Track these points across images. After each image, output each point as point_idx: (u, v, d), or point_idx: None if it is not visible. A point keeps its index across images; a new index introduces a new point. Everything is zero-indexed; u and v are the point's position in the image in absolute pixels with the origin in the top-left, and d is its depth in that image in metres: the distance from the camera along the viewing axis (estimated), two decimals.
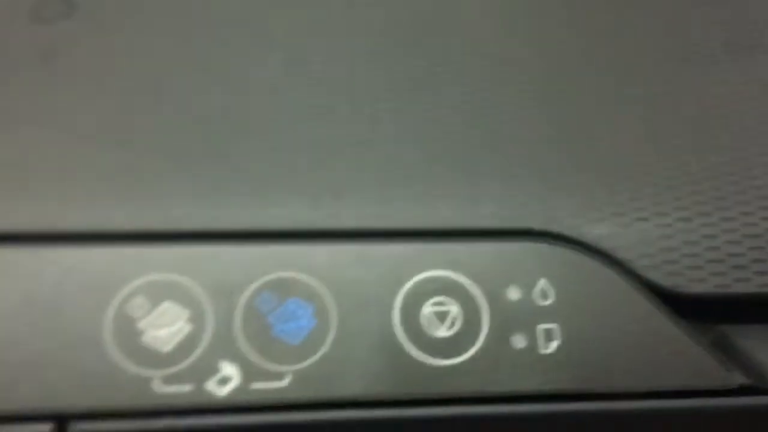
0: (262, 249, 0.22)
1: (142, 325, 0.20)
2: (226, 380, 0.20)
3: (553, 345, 0.22)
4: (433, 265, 0.22)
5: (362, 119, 0.25)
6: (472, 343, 0.21)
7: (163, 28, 0.26)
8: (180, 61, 0.25)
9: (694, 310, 0.22)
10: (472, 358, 0.21)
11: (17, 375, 0.20)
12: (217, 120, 0.24)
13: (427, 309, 0.22)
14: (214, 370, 0.20)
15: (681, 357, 0.22)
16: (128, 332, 0.20)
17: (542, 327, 0.22)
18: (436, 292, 0.22)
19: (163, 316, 0.21)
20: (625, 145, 0.25)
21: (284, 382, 0.20)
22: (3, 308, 0.20)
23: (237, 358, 0.20)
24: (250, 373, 0.20)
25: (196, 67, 0.25)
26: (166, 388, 0.20)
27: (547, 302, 0.22)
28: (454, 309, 0.22)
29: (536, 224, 0.23)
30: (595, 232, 0.23)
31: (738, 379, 0.22)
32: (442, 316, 0.22)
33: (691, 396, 0.22)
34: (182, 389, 0.20)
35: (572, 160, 0.24)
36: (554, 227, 0.23)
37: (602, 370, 0.21)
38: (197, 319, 0.21)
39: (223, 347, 0.20)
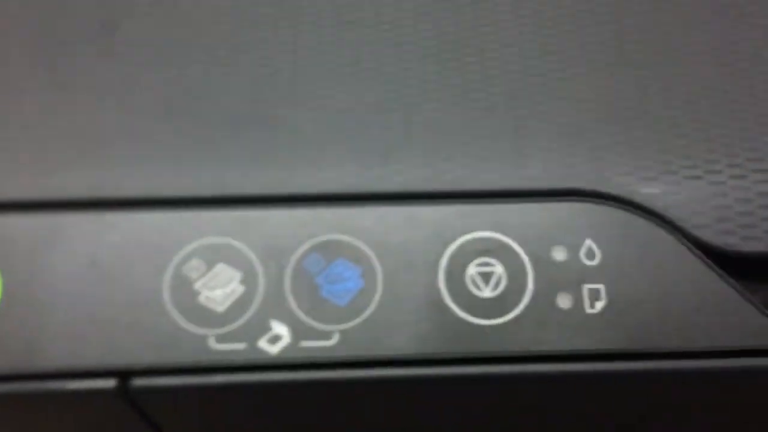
0: (309, 212, 0.22)
1: (197, 286, 0.21)
2: (277, 338, 0.21)
3: (600, 305, 0.22)
4: (478, 226, 0.22)
5: (407, 81, 0.25)
6: (517, 303, 0.22)
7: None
8: (230, 26, 0.26)
9: (747, 270, 0.22)
10: (517, 318, 0.21)
11: (82, 333, 0.21)
12: (266, 85, 0.24)
13: (472, 270, 0.22)
14: (265, 329, 0.21)
15: (732, 317, 0.22)
16: (185, 293, 0.21)
17: (588, 287, 0.22)
18: (481, 253, 0.22)
19: (217, 278, 0.22)
20: (676, 100, 0.24)
21: (332, 341, 0.21)
22: (69, 269, 0.21)
23: (287, 317, 0.21)
24: (299, 331, 0.21)
25: (246, 32, 0.26)
26: (221, 346, 0.21)
27: (594, 262, 0.22)
28: (498, 269, 0.22)
29: (583, 184, 0.23)
30: (645, 191, 0.23)
31: None
32: (486, 277, 0.22)
33: (741, 356, 0.21)
34: (236, 347, 0.21)
35: (621, 116, 0.24)
36: (602, 187, 0.23)
37: (650, 330, 0.21)
38: (249, 280, 0.22)
39: (274, 307, 0.21)
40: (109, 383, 0.21)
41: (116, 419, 0.23)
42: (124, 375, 0.21)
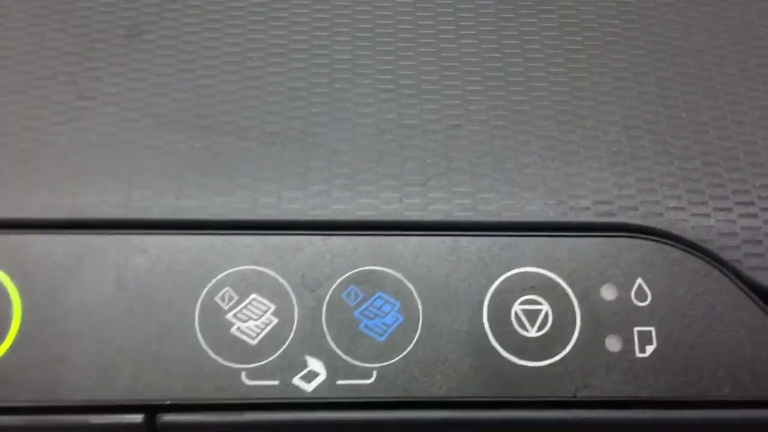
0: (347, 241, 0.21)
1: (230, 316, 0.20)
2: (313, 376, 0.20)
3: (650, 349, 0.21)
4: (524, 261, 0.21)
5: (450, 104, 0.24)
6: (564, 345, 0.21)
7: (247, 7, 0.25)
8: (263, 41, 0.25)
9: None
10: (564, 360, 0.20)
11: (107, 363, 0.20)
12: (301, 103, 0.23)
13: (517, 308, 0.21)
14: (301, 365, 0.20)
15: None
16: (217, 324, 0.20)
17: (639, 330, 0.21)
18: (527, 290, 0.21)
19: (250, 309, 0.20)
20: (732, 132, 0.23)
21: (370, 380, 0.20)
22: (94, 294, 0.20)
23: (323, 353, 0.20)
24: (336, 369, 0.20)
25: (279, 47, 0.25)
26: (254, 382, 0.20)
27: (645, 303, 0.21)
28: (545, 308, 0.21)
29: (634, 219, 0.22)
30: (699, 228, 0.22)
31: None
32: (532, 315, 0.21)
33: None
34: (270, 383, 0.20)
35: (674, 149, 0.23)
36: (654, 223, 0.22)
37: (703, 377, 0.20)
38: (284, 312, 0.20)
39: (310, 342, 0.20)
40: (136, 419, 0.20)
41: None
42: (152, 410, 0.20)
